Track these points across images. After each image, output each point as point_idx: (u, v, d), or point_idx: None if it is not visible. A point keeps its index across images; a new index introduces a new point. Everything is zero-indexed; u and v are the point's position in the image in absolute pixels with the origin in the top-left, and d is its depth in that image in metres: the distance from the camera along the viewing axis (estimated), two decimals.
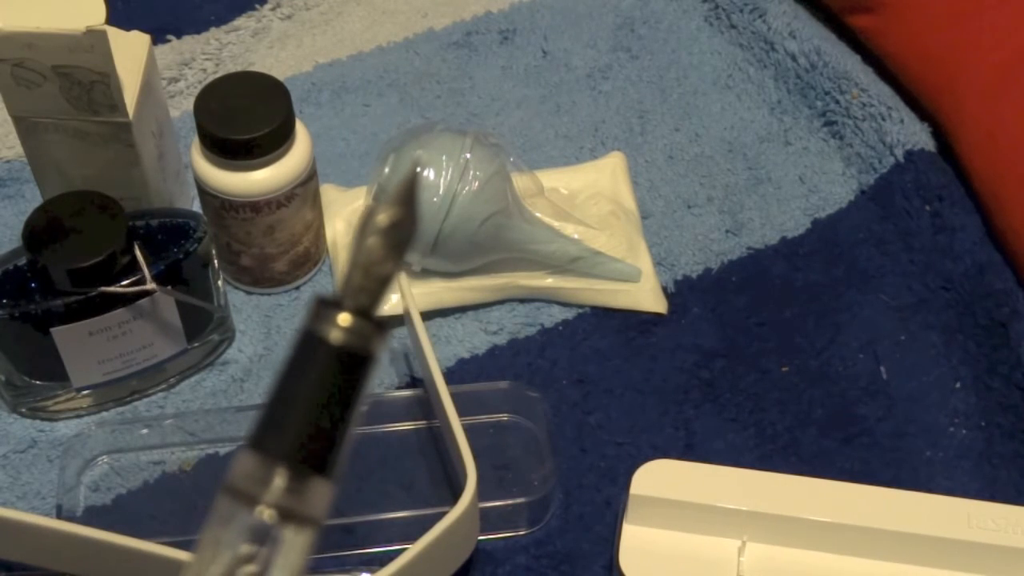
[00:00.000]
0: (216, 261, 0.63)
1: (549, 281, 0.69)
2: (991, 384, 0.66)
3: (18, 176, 0.74)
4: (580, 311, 0.69)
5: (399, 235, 0.20)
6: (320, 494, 0.20)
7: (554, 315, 0.69)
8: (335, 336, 0.19)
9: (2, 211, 0.73)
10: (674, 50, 0.82)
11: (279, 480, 0.19)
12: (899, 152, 0.74)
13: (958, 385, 0.66)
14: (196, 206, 0.68)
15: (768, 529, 0.56)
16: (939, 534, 0.55)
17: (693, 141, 0.77)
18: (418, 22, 0.84)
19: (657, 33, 0.83)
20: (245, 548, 0.19)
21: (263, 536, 0.20)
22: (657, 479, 0.57)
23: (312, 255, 0.69)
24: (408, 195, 0.20)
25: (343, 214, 0.71)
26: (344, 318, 0.20)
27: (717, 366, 0.67)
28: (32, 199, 0.71)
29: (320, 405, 0.19)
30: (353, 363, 0.20)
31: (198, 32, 0.83)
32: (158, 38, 0.81)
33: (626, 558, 0.56)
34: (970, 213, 0.72)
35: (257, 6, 0.85)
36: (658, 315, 0.69)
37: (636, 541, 0.57)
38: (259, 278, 0.69)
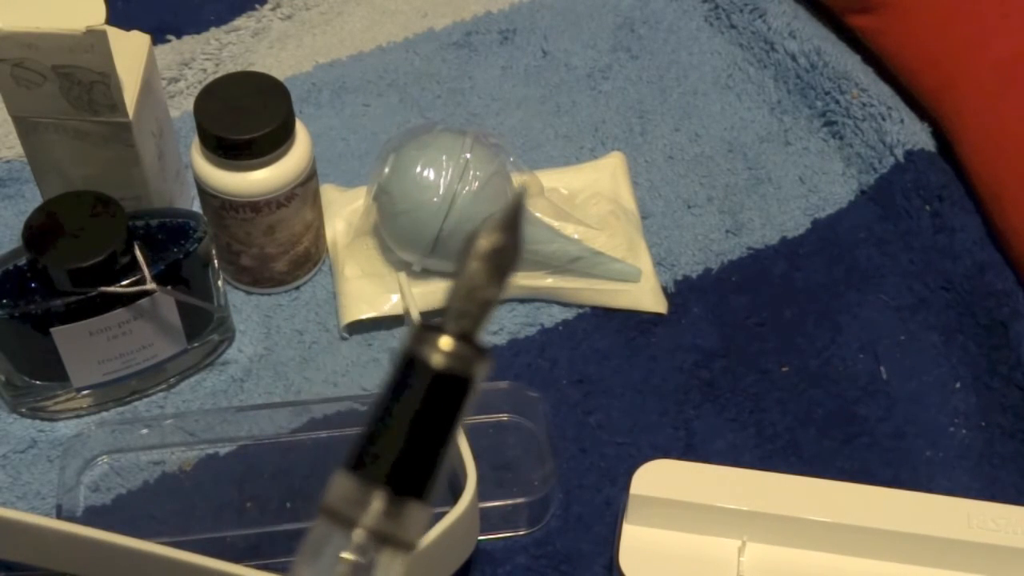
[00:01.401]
0: (216, 261, 0.64)
1: (549, 281, 0.69)
2: (991, 384, 0.66)
3: (18, 176, 0.74)
4: (580, 311, 0.69)
5: (502, 260, 0.20)
6: (417, 518, 0.20)
7: (554, 315, 0.69)
8: (437, 360, 0.19)
9: (2, 211, 0.73)
10: (674, 50, 0.82)
11: (377, 503, 0.19)
12: (899, 152, 0.74)
13: (958, 385, 0.66)
14: (196, 206, 0.68)
15: (768, 529, 0.56)
16: (939, 534, 0.55)
17: (693, 141, 0.77)
18: (418, 22, 0.84)
19: (657, 33, 0.83)
20: (341, 571, 0.19)
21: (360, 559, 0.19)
22: (657, 479, 0.57)
23: (312, 255, 0.69)
24: (512, 220, 0.20)
25: (343, 214, 0.71)
26: (446, 342, 0.20)
27: (717, 366, 0.67)
28: (32, 199, 0.71)
29: (419, 429, 0.19)
30: (454, 387, 0.20)
31: (198, 32, 0.83)
32: (158, 38, 0.81)
33: (626, 558, 0.56)
34: (970, 213, 0.72)
35: (257, 6, 0.85)
36: (658, 315, 0.69)
37: (636, 541, 0.57)
38: (259, 278, 0.69)
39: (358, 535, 0.19)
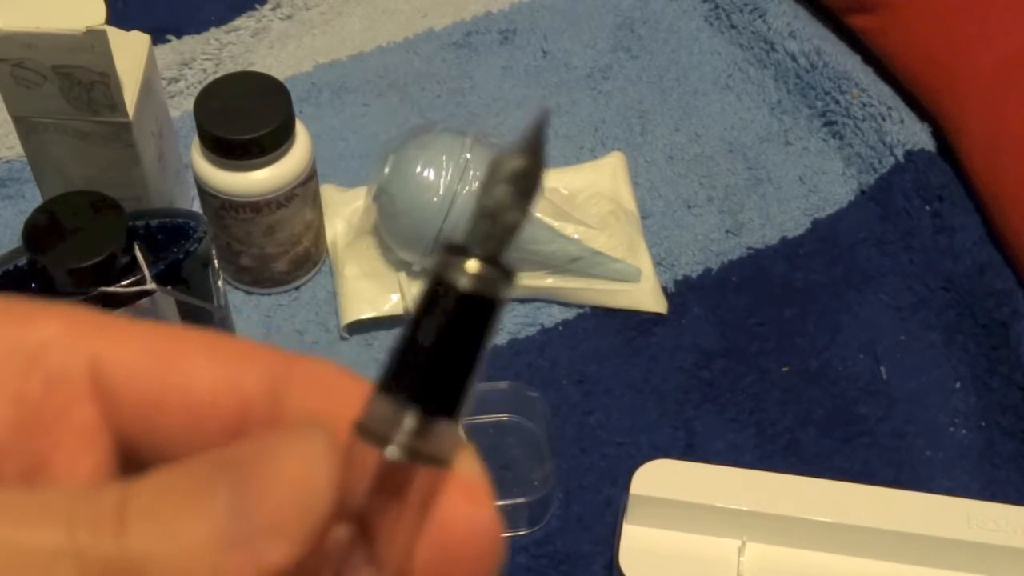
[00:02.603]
0: (216, 261, 0.63)
1: (549, 281, 0.69)
2: (991, 384, 0.66)
3: (18, 176, 0.74)
4: (580, 311, 0.69)
5: (527, 183, 0.20)
6: (449, 436, 0.20)
7: (554, 315, 0.69)
8: (463, 282, 0.20)
9: (2, 211, 0.73)
10: (674, 50, 0.82)
11: (409, 421, 0.20)
12: (899, 152, 0.74)
13: (958, 385, 0.66)
14: (196, 206, 0.68)
15: (768, 529, 0.56)
16: (939, 534, 0.55)
17: (693, 141, 0.77)
18: (418, 22, 0.84)
19: (657, 33, 0.83)
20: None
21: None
22: (657, 479, 0.57)
23: (312, 255, 0.69)
24: (536, 143, 0.20)
25: (343, 214, 0.71)
26: (472, 264, 0.20)
27: (717, 366, 0.67)
28: (32, 199, 0.71)
29: (448, 349, 0.20)
30: (481, 308, 0.20)
31: (198, 32, 0.83)
32: (158, 38, 0.81)
33: (626, 558, 0.56)
34: (970, 213, 0.72)
35: (257, 6, 0.85)
36: (658, 315, 0.69)
37: (636, 541, 0.57)
38: (259, 278, 0.69)
39: (391, 451, 0.20)
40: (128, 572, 0.18)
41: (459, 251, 0.20)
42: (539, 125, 0.21)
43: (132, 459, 0.22)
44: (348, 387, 0.22)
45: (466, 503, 0.21)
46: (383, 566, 0.21)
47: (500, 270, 0.20)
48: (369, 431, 0.20)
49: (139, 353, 0.21)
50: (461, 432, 0.21)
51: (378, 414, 0.20)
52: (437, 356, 0.20)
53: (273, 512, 0.18)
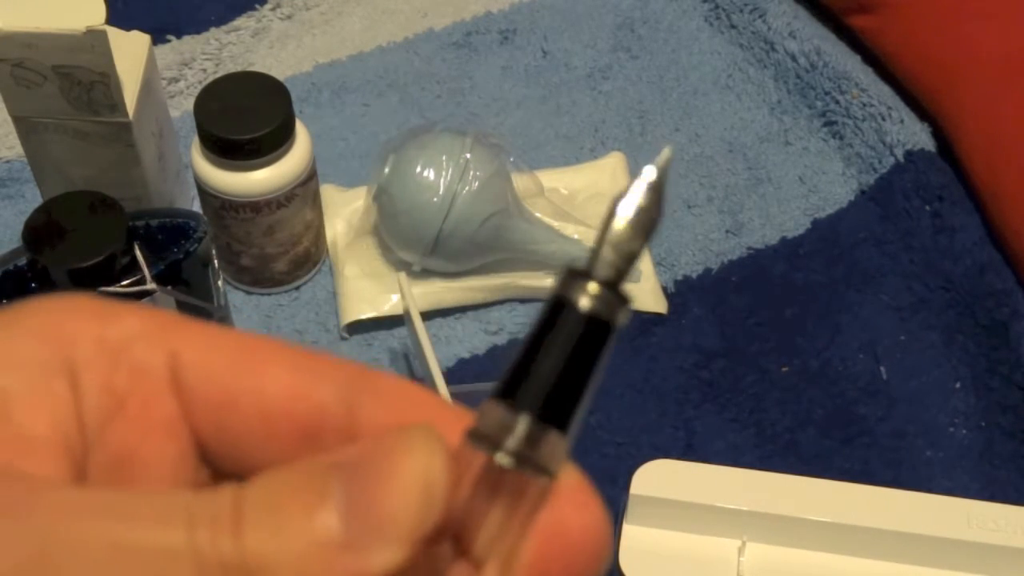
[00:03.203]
0: (216, 261, 0.63)
1: (549, 281, 0.69)
2: (991, 384, 0.66)
3: (18, 176, 0.74)
4: None
5: (647, 219, 0.22)
6: (558, 448, 0.21)
7: None
8: (584, 303, 0.21)
9: (2, 211, 0.73)
10: (674, 50, 0.82)
11: (521, 427, 0.21)
12: (899, 152, 0.74)
13: (958, 385, 0.66)
14: (196, 206, 0.68)
15: (768, 529, 0.56)
16: (939, 534, 0.55)
17: (693, 141, 0.77)
18: (418, 22, 0.84)
19: (657, 33, 0.83)
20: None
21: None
22: (657, 479, 0.57)
23: (312, 255, 0.69)
24: (659, 183, 0.22)
25: (343, 214, 0.71)
26: (593, 287, 0.21)
27: (717, 366, 0.67)
28: (32, 199, 0.71)
29: (564, 365, 0.21)
30: (598, 330, 0.21)
31: (198, 32, 0.83)
32: (158, 38, 0.81)
33: (626, 558, 0.56)
34: (970, 213, 0.72)
35: (257, 6, 0.85)
36: (658, 315, 0.69)
37: (636, 541, 0.57)
38: (259, 278, 0.69)
39: (501, 457, 0.21)
40: (245, 573, 0.18)
41: (582, 275, 0.21)
42: (665, 165, 0.23)
43: (209, 461, 0.23)
44: (424, 400, 0.22)
45: (581, 508, 0.21)
46: (488, 570, 0.21)
47: (618, 296, 0.21)
48: (481, 437, 0.21)
49: (217, 354, 0.22)
50: (568, 449, 0.21)
51: (490, 421, 0.21)
52: (553, 369, 0.21)
53: (388, 514, 0.19)
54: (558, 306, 0.21)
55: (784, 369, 0.67)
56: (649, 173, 0.23)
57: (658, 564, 0.56)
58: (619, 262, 0.21)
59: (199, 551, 0.18)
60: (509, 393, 0.21)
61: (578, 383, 0.21)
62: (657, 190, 0.22)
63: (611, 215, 0.22)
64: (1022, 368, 0.65)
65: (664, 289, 0.70)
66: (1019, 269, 0.69)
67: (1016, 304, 0.67)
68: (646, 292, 0.69)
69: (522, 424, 0.21)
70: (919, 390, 0.66)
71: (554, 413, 0.21)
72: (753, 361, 0.67)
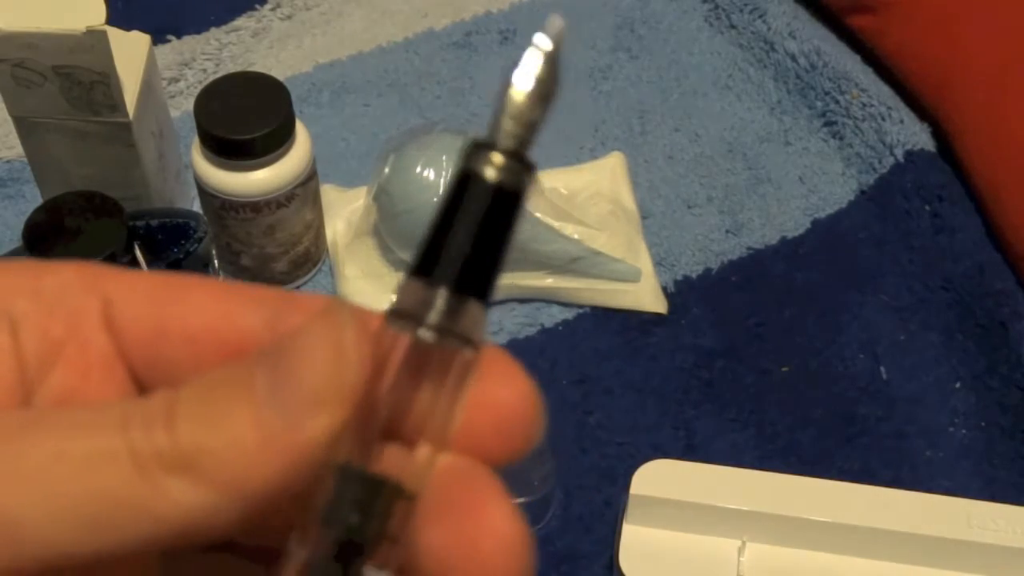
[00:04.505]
0: (216, 261, 0.64)
1: (549, 281, 0.69)
2: (991, 384, 0.66)
3: (18, 176, 0.74)
4: (580, 311, 0.69)
5: (545, 88, 0.23)
6: (479, 318, 0.21)
7: (554, 315, 0.69)
8: (490, 174, 0.22)
9: (2, 211, 0.73)
10: (674, 50, 0.82)
11: (440, 300, 0.21)
12: (899, 152, 0.74)
13: (958, 385, 0.66)
14: (196, 206, 0.68)
15: (768, 529, 0.56)
16: (939, 534, 0.55)
17: (693, 141, 0.77)
18: (418, 22, 0.84)
19: (657, 33, 0.83)
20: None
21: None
22: (657, 479, 0.57)
23: (312, 255, 0.69)
24: (553, 53, 0.23)
25: (343, 214, 0.71)
26: (498, 158, 0.22)
27: (717, 366, 0.67)
28: (32, 199, 0.71)
29: (477, 235, 0.21)
30: (506, 199, 0.22)
31: (198, 32, 0.83)
32: (158, 38, 0.81)
33: (626, 558, 0.56)
34: (970, 213, 0.72)
35: (257, 6, 0.85)
36: (658, 315, 0.69)
37: (636, 541, 0.57)
38: (259, 278, 0.69)
39: (423, 332, 0.21)
40: (180, 462, 0.19)
41: (486, 147, 0.22)
42: (558, 36, 0.24)
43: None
44: (164, 287, 0.23)
45: (508, 380, 0.22)
46: (421, 447, 0.21)
47: (524, 164, 0.22)
48: (402, 315, 0.21)
49: (145, 292, 0.23)
50: (486, 319, 0.22)
51: (409, 299, 0.21)
52: (466, 241, 0.21)
53: (309, 384, 0.20)
54: (465, 179, 0.22)
55: (784, 369, 0.67)
56: (543, 42, 0.23)
57: (658, 564, 0.56)
58: (521, 132, 0.22)
59: (134, 448, 0.19)
60: (425, 270, 0.21)
61: (492, 252, 0.22)
62: (553, 60, 0.23)
63: (507, 85, 0.23)
64: (1022, 368, 0.65)
65: (664, 289, 0.70)
66: (1019, 269, 0.69)
67: (1016, 304, 0.67)
68: (646, 292, 0.69)
69: (441, 297, 0.21)
70: (919, 390, 0.66)
71: (471, 283, 0.21)
72: (753, 361, 0.67)
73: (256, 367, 0.20)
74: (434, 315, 0.21)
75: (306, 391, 0.19)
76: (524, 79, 0.23)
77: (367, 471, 0.21)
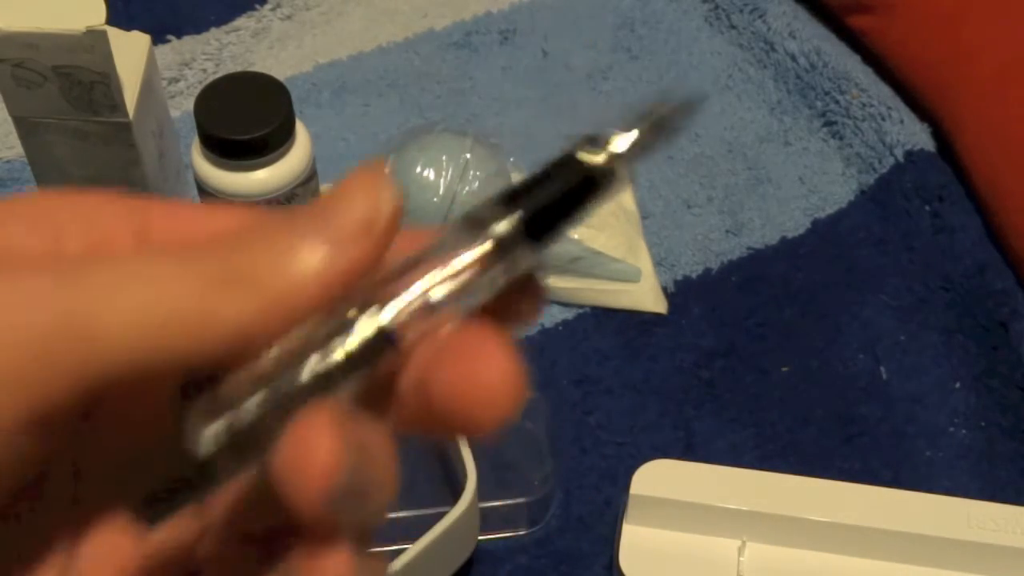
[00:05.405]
0: None
1: (549, 281, 0.68)
2: (991, 384, 0.66)
3: (18, 176, 0.74)
4: (580, 311, 0.69)
5: (664, 127, 0.27)
6: (530, 254, 0.24)
7: (554, 315, 0.69)
8: (592, 158, 0.26)
9: None
10: (674, 50, 0.82)
11: (507, 223, 0.24)
12: (899, 152, 0.74)
13: (958, 385, 0.66)
14: None
15: (768, 529, 0.56)
16: (939, 534, 0.55)
17: (693, 141, 0.77)
18: (418, 22, 0.84)
19: (657, 33, 0.83)
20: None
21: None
22: (657, 479, 0.57)
23: None
24: (680, 114, 0.27)
25: None
26: (604, 156, 0.26)
27: (717, 366, 0.67)
28: None
29: (557, 199, 0.25)
30: (590, 184, 0.26)
31: (198, 32, 0.83)
32: (158, 38, 0.81)
33: (626, 558, 0.56)
34: (970, 213, 0.72)
35: (257, 6, 0.85)
36: (658, 315, 0.69)
37: (636, 541, 0.57)
38: None
39: (493, 232, 0.24)
40: (239, 277, 0.22)
41: (592, 140, 0.26)
42: (681, 109, 0.28)
43: None
44: (205, 211, 0.26)
45: (496, 351, 0.23)
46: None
47: (621, 164, 0.26)
48: (472, 218, 0.24)
49: (181, 218, 0.25)
50: (538, 260, 0.25)
51: (484, 209, 0.24)
52: (547, 199, 0.24)
53: (350, 215, 0.23)
54: (565, 159, 0.26)
55: (784, 369, 0.67)
56: (677, 107, 0.28)
57: (658, 564, 0.56)
58: (632, 151, 0.27)
59: (201, 268, 0.22)
60: (505, 199, 0.24)
61: (565, 215, 0.24)
62: (682, 114, 0.28)
63: (659, 118, 0.28)
64: (1022, 368, 0.65)
65: (664, 289, 0.70)
66: (1019, 269, 0.69)
67: (1016, 304, 0.67)
68: (646, 292, 0.69)
69: (508, 221, 0.23)
70: (919, 390, 0.66)
71: (537, 227, 0.24)
72: (753, 361, 0.67)
73: (302, 211, 0.23)
74: (503, 226, 0.23)
75: (347, 220, 0.23)
76: (655, 128, 0.28)
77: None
